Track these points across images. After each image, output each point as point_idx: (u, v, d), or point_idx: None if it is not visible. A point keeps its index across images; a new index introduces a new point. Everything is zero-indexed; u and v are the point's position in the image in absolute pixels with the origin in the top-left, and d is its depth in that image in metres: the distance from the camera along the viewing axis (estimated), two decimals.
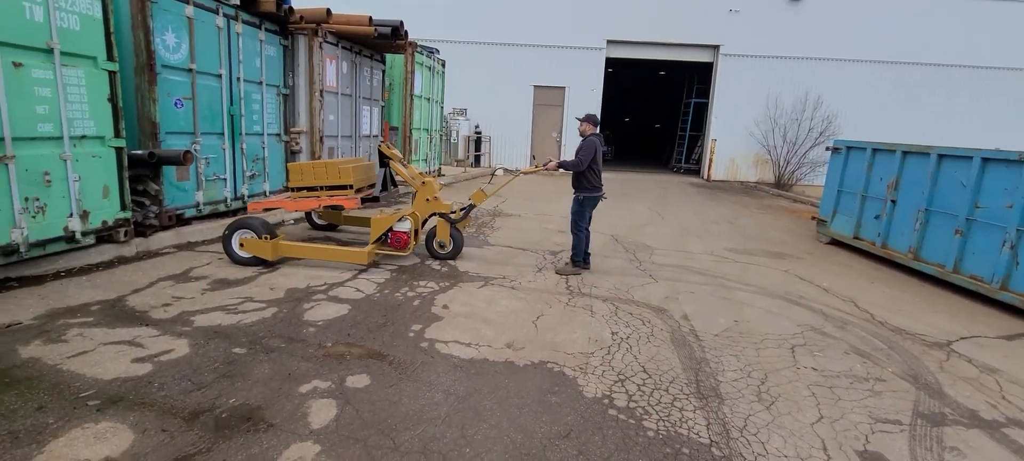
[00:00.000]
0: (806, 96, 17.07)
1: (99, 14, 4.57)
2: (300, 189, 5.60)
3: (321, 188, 5.55)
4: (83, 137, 4.56)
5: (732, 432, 2.84)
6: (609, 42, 17.94)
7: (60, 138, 4.35)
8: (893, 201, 7.00)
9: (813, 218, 9.46)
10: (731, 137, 18.22)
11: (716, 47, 17.89)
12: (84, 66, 4.51)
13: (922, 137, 14.51)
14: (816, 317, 4.83)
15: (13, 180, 4.01)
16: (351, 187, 5.50)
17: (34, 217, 4.21)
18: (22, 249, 4.12)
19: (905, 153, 6.91)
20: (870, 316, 4.97)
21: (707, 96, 19.13)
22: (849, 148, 8.08)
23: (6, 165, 3.96)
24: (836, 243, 8.30)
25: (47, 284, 4.34)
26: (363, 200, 5.70)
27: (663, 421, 2.90)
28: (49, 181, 4.29)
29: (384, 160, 6.05)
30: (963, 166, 6.01)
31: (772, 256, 7.30)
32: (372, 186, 5.78)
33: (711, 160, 18.44)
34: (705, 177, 18.78)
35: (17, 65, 3.97)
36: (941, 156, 6.33)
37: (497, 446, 2.59)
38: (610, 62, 18.53)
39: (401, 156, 6.17)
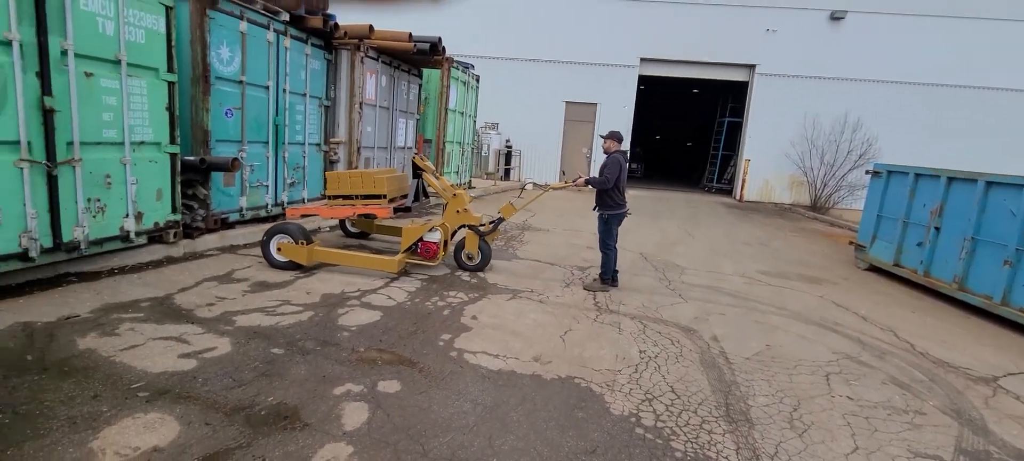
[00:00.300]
0: (845, 117, 16.64)
1: (163, 29, 4.89)
2: (336, 197, 5.79)
3: (356, 197, 5.73)
4: (142, 143, 4.86)
5: (763, 458, 2.79)
6: (643, 60, 17.94)
7: (122, 144, 4.66)
8: (937, 228, 6.76)
9: (851, 243, 9.19)
10: (765, 157, 17.88)
11: (752, 66, 17.66)
12: (146, 77, 4.82)
13: (966, 162, 13.90)
14: (853, 345, 4.70)
15: (79, 182, 4.30)
16: (385, 197, 5.66)
17: (95, 217, 4.50)
18: (83, 246, 4.40)
19: (951, 179, 6.67)
20: (910, 346, 4.80)
21: (741, 115, 18.86)
22: (890, 172, 7.85)
23: (73, 168, 4.26)
24: (875, 270, 8.03)
25: (102, 280, 4.62)
26: (395, 210, 5.86)
27: (691, 443, 2.88)
28: (110, 183, 4.58)
29: (417, 172, 6.22)
30: (1013, 194, 5.77)
31: (807, 280, 7.12)
32: (405, 196, 5.94)
33: (744, 180, 18.11)
34: (737, 197, 18.44)
35: (89, 75, 4.28)
36: (990, 183, 6.09)
37: (523, 458, 2.63)
38: (643, 80, 18.51)
39: (434, 168, 6.33)
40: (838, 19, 16.83)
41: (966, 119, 16.88)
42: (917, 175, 7.25)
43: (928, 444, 3.10)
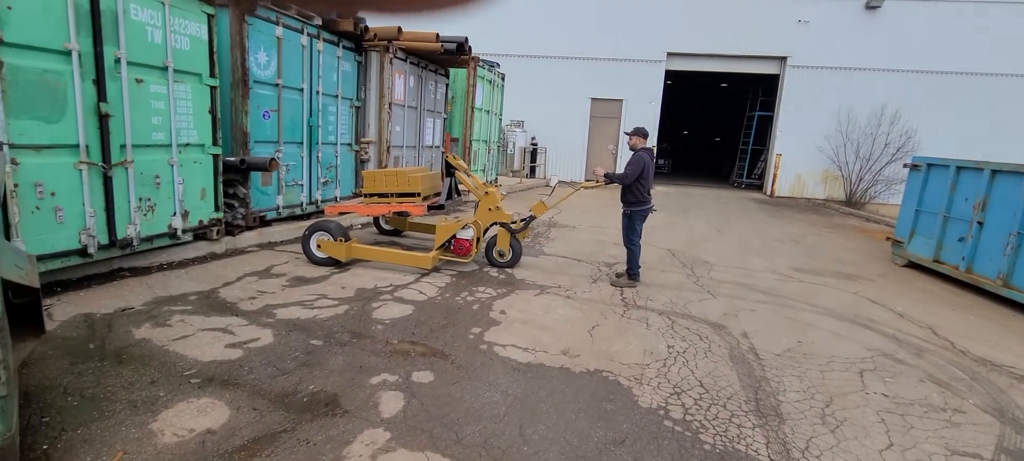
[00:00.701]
0: (882, 110, 16.09)
1: (205, 36, 5.14)
2: (372, 195, 5.96)
3: (392, 195, 5.88)
4: (187, 145, 5.12)
5: (793, 452, 2.80)
6: (669, 54, 17.71)
7: (169, 145, 4.92)
8: (980, 223, 6.52)
9: (888, 239, 8.92)
10: (797, 152, 17.44)
11: (783, 58, 17.24)
12: (191, 82, 5.07)
13: (1009, 154, 13.29)
14: (889, 342, 4.60)
15: (131, 182, 4.57)
16: (419, 195, 5.79)
17: (145, 215, 4.77)
18: (135, 243, 4.68)
19: (995, 172, 6.42)
20: (950, 344, 4.67)
21: (772, 109, 18.43)
22: (929, 165, 7.59)
23: (126, 169, 4.52)
24: (913, 266, 7.79)
25: (152, 275, 4.89)
26: (429, 208, 5.99)
27: (720, 436, 2.90)
28: (158, 183, 4.85)
29: (450, 170, 6.31)
30: None
31: (841, 277, 6.96)
32: (437, 194, 6.05)
33: (775, 175, 17.71)
34: (768, 193, 18.05)
35: (139, 81, 4.54)
36: None
37: (553, 447, 2.70)
38: (670, 75, 18.27)
39: (466, 167, 6.43)
40: (874, 8, 16.26)
41: (1012, 110, 16.10)
42: (959, 168, 7.00)
43: (967, 443, 3.04)
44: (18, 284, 2.22)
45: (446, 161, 6.12)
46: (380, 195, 5.89)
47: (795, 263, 7.63)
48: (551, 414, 3.01)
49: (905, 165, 8.20)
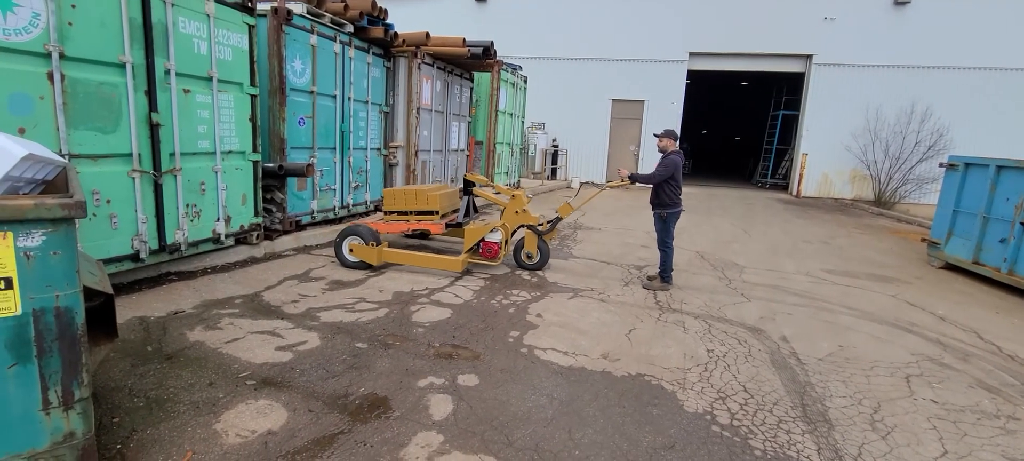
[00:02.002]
0: (912, 107, 15.73)
1: (246, 46, 5.28)
2: (392, 212, 6.02)
3: (411, 213, 5.95)
4: (229, 152, 5.27)
5: (846, 459, 2.78)
6: (691, 54, 17.57)
7: (213, 153, 5.07)
8: (1023, 224, 6.35)
9: (923, 240, 8.73)
10: (824, 151, 17.14)
11: (808, 56, 16.97)
12: (233, 91, 5.22)
13: None
14: (932, 346, 4.52)
15: (179, 189, 4.73)
16: (437, 213, 5.87)
17: (192, 221, 4.93)
18: (183, 248, 4.83)
19: None
20: (997, 349, 4.57)
21: (797, 108, 18.15)
22: (967, 164, 7.41)
23: (174, 176, 4.68)
24: (951, 268, 7.62)
25: (198, 278, 5.04)
26: (447, 226, 6.07)
27: (770, 442, 2.90)
28: (204, 190, 5.00)
29: (468, 188, 6.23)
30: None
31: (876, 279, 6.84)
32: (456, 212, 6.10)
33: (801, 175, 17.43)
34: (794, 193, 17.77)
35: (186, 92, 4.70)
36: None
37: (604, 451, 2.72)
38: (691, 74, 18.12)
39: (488, 180, 6.47)
40: (902, 3, 15.91)
41: None
42: (999, 167, 6.82)
43: None
44: (92, 289, 2.33)
45: (465, 179, 6.13)
46: (400, 213, 5.96)
47: (827, 265, 7.51)
48: (598, 418, 3.03)
49: (941, 164, 8.02)
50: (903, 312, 5.47)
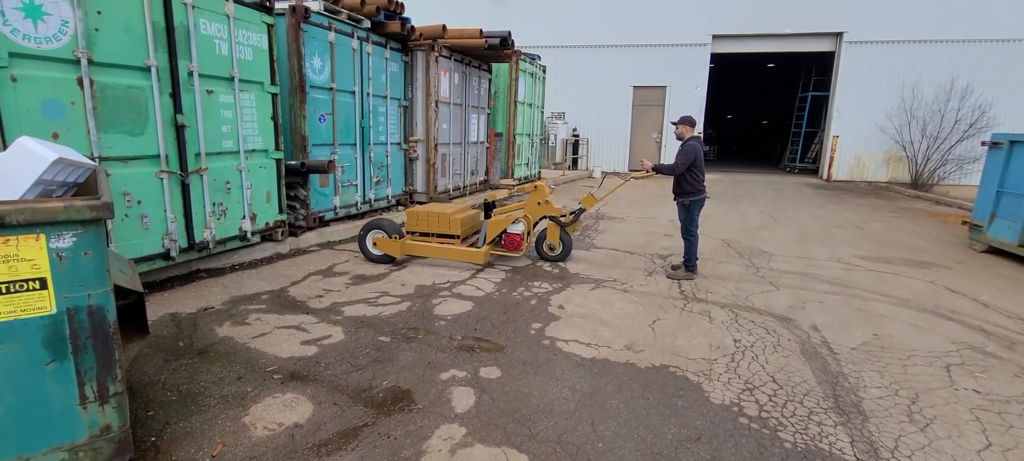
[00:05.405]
0: (952, 83, 15.01)
1: (266, 45, 5.35)
2: (414, 233, 5.97)
3: (432, 235, 5.90)
4: (253, 151, 5.36)
5: (881, 452, 2.67)
6: (715, 37, 17.11)
7: (237, 152, 5.16)
8: None
9: (964, 223, 8.33)
10: (856, 133, 16.53)
11: (839, 34, 16.33)
12: (254, 90, 5.30)
13: None
14: (974, 334, 4.32)
15: (205, 188, 4.84)
16: (458, 237, 5.81)
17: (219, 219, 5.04)
18: (211, 246, 4.95)
19: None
20: None
21: (826, 88, 17.52)
22: (1012, 142, 7.03)
23: (201, 176, 4.79)
24: (994, 251, 7.27)
25: (226, 275, 5.17)
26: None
27: (800, 434, 2.81)
28: (229, 188, 5.11)
29: (488, 211, 5.97)
30: None
31: (913, 265, 6.58)
32: (476, 234, 6.03)
33: (832, 158, 16.86)
34: (825, 177, 17.22)
35: (210, 92, 4.79)
36: None
37: (628, 443, 2.69)
38: (714, 58, 17.67)
39: (508, 188, 6.43)
40: None
41: None
42: None
43: None
44: (123, 287, 2.39)
45: (485, 201, 5.97)
46: (422, 234, 5.92)
47: (861, 251, 7.26)
48: (621, 410, 2.99)
49: (983, 143, 7.64)
50: (942, 298, 5.25)
